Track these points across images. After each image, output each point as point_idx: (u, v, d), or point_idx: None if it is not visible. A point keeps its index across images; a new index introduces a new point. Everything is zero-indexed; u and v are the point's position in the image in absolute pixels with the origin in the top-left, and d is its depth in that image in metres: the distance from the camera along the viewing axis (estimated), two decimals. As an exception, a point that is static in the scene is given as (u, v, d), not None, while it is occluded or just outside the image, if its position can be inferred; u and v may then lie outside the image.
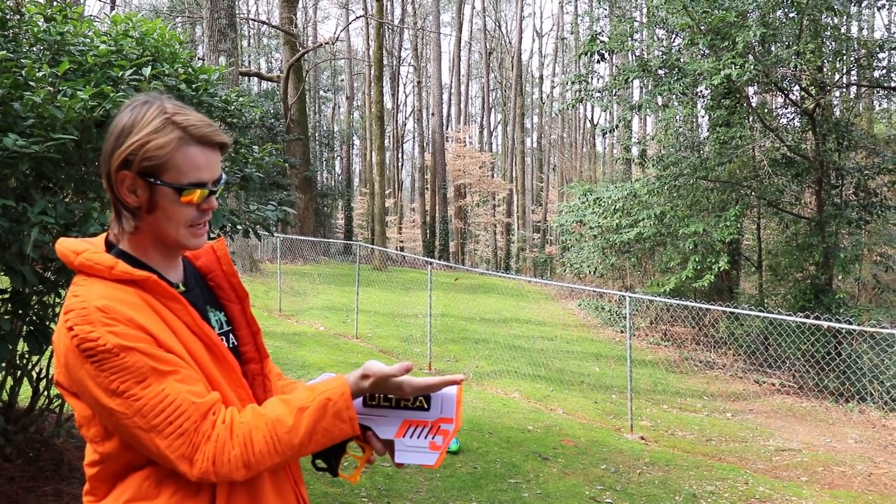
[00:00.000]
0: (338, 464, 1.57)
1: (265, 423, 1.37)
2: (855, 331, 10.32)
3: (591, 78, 17.73)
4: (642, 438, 8.25)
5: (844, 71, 16.08)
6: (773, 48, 14.61)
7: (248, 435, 1.35)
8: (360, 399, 1.52)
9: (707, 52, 13.98)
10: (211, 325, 1.55)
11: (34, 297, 3.72)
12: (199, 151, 1.43)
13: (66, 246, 1.44)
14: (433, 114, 34.55)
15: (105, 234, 1.51)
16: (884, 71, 15.27)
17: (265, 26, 41.47)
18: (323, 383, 1.46)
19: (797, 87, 15.27)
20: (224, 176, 1.52)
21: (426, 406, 1.52)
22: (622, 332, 14.77)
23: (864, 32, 26.37)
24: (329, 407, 1.40)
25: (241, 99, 4.67)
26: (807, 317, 9.78)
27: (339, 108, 52.80)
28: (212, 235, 4.00)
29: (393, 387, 1.47)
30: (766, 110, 16.44)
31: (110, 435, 1.37)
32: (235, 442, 1.34)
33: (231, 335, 1.62)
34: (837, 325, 8.87)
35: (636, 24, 17.07)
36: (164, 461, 1.33)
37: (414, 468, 5.92)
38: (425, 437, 1.51)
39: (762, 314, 10.71)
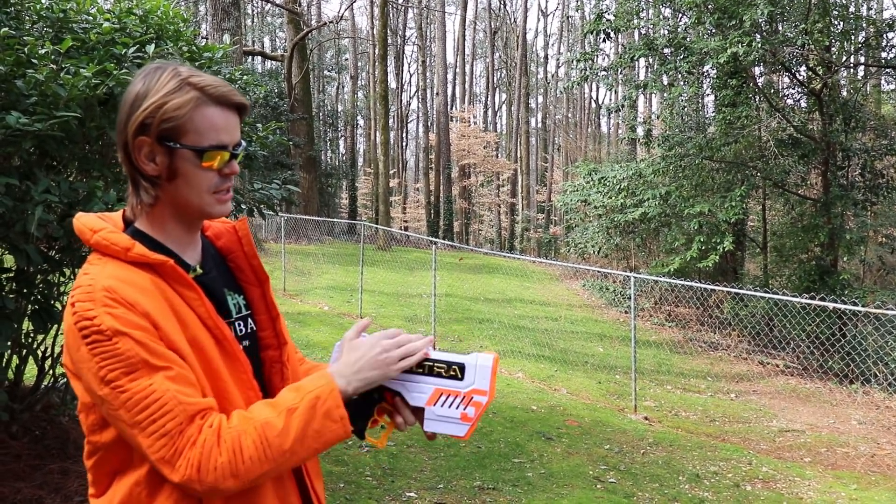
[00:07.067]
0: (365, 427, 1.51)
1: (254, 427, 1.28)
2: (860, 312, 10.29)
3: (597, 56, 17.56)
4: (646, 419, 8.27)
5: (852, 51, 15.93)
6: (780, 27, 14.48)
7: (238, 440, 1.26)
8: None
9: (713, 30, 13.87)
10: (228, 308, 1.49)
11: (38, 276, 3.72)
12: (217, 112, 1.38)
13: (84, 222, 1.38)
14: (437, 93, 34.41)
15: (122, 209, 1.45)
16: (892, 51, 15.13)
17: (269, 5, 41.20)
18: (309, 381, 1.37)
19: (804, 67, 15.14)
20: (244, 142, 1.46)
21: (460, 376, 1.47)
22: (626, 312, 14.76)
23: (873, 12, 26.09)
24: (318, 406, 1.32)
25: (245, 77, 4.65)
26: (811, 298, 9.75)
27: (343, 87, 52.53)
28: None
29: None
30: (772, 90, 16.32)
31: (108, 424, 1.31)
32: (223, 448, 1.25)
33: (249, 319, 1.54)
34: (842, 307, 8.86)
35: (642, 2, 16.93)
36: (150, 461, 1.26)
37: (418, 448, 5.95)
38: (457, 408, 1.46)
39: (766, 295, 10.68)
